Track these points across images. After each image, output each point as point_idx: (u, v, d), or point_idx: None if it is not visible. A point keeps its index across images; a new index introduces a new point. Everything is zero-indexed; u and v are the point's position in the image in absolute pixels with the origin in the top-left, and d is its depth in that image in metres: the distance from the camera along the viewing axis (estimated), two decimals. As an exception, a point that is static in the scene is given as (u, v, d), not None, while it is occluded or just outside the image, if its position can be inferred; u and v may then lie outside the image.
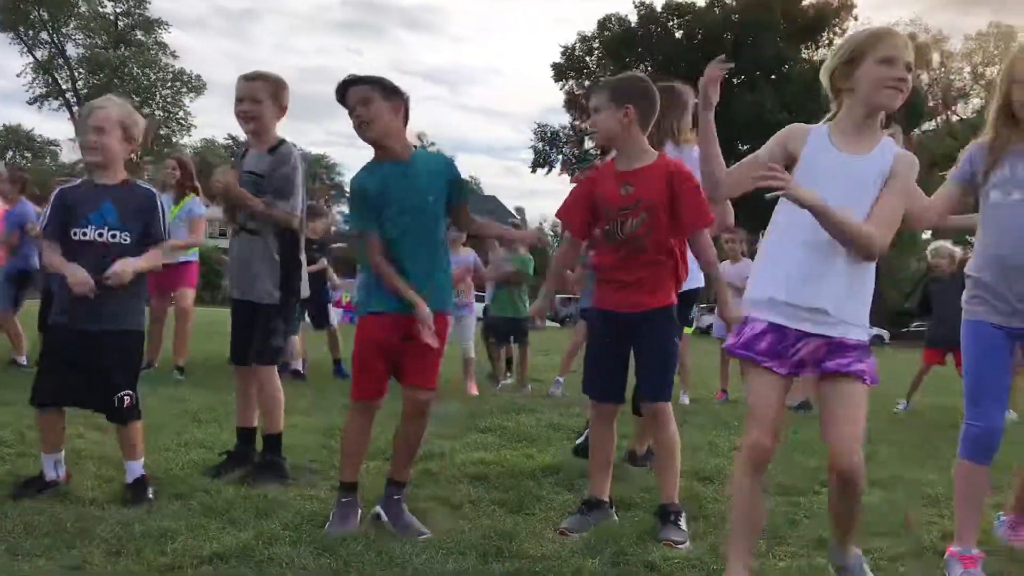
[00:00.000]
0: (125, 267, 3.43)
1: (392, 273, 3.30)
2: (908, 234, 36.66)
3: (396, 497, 3.35)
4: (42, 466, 3.54)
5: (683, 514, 3.44)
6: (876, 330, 39.17)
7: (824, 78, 2.74)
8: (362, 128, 3.30)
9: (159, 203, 3.65)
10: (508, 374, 9.04)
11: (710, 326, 9.84)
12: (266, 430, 4.06)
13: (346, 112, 3.34)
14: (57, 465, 3.55)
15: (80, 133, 3.64)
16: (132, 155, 3.72)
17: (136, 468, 3.56)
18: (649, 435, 4.79)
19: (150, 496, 3.47)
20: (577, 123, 49.27)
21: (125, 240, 3.52)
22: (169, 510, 3.31)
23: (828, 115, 2.76)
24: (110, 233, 3.49)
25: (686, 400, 8.09)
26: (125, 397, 3.52)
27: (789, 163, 2.68)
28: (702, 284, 4.27)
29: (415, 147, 3.49)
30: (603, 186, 3.46)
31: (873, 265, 2.66)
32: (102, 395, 3.51)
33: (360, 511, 3.36)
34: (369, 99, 3.29)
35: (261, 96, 3.99)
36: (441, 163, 3.54)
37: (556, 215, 3.68)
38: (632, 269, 3.41)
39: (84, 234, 3.48)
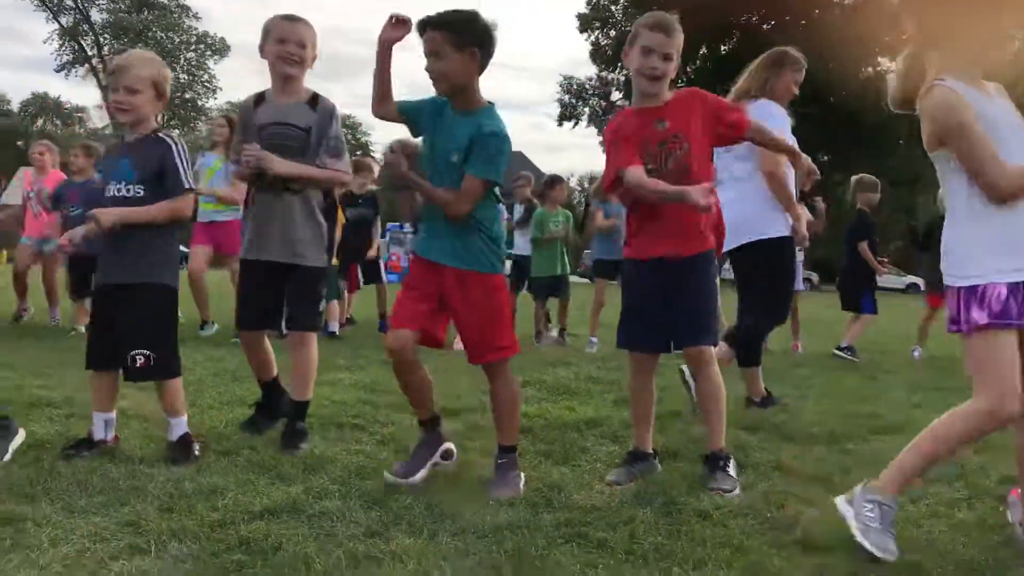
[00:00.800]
0: (107, 214, 3.35)
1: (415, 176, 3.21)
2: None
3: (500, 461, 3.28)
4: (91, 425, 3.55)
5: (732, 460, 3.41)
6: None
7: None
8: (433, 80, 3.14)
9: (176, 152, 3.46)
10: (548, 326, 9.03)
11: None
12: (300, 397, 3.87)
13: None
14: (107, 426, 3.55)
15: (111, 91, 3.52)
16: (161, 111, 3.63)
17: (178, 425, 3.54)
18: (760, 380, 4.86)
19: (196, 453, 3.47)
20: (604, 74, 48.65)
21: (139, 194, 3.43)
22: (217, 467, 3.32)
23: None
24: (126, 188, 3.44)
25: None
26: (139, 357, 3.42)
27: None
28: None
29: (486, 104, 3.22)
30: (634, 129, 3.36)
31: None
32: (121, 353, 3.44)
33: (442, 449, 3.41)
34: (439, 52, 3.07)
35: (307, 40, 3.74)
36: (481, 127, 3.13)
37: (617, 167, 3.37)
38: (675, 207, 3.28)
39: (111, 190, 3.47)
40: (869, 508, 2.62)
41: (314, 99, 3.79)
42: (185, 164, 3.51)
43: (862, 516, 2.61)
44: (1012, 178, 2.52)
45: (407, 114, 3.32)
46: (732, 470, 3.36)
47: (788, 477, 3.45)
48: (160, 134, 3.51)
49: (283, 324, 3.99)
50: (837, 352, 8.01)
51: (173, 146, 3.48)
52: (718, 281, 3.69)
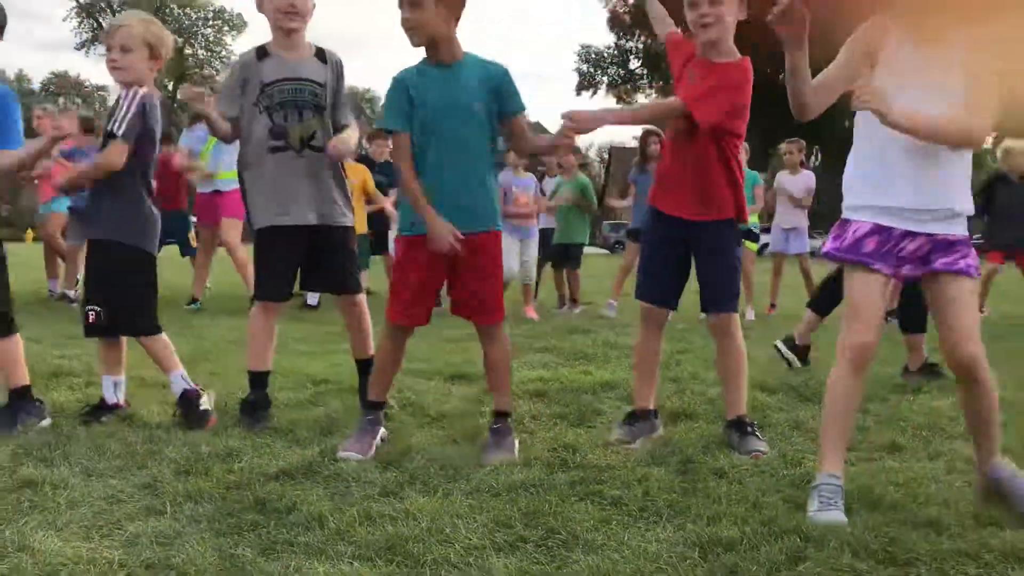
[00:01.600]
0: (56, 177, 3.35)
1: (414, 183, 3.10)
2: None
3: (496, 426, 3.25)
4: (102, 390, 3.58)
5: (757, 424, 3.39)
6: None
7: None
8: (407, 32, 3.06)
9: (129, 99, 3.36)
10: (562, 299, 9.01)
11: (765, 244, 9.65)
12: (368, 354, 3.74)
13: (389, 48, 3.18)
14: (117, 388, 3.58)
15: (106, 50, 3.47)
16: (157, 73, 3.56)
17: (176, 381, 3.53)
18: (921, 351, 4.81)
19: (203, 407, 3.46)
20: (621, 42, 48.18)
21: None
22: (234, 432, 3.33)
23: None
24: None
25: (751, 316, 8.00)
26: (89, 312, 3.43)
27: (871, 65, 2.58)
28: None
29: (465, 52, 3.17)
30: (682, 61, 3.36)
31: (970, 153, 2.59)
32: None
33: (380, 432, 3.25)
34: (418, 2, 3.00)
35: None
36: (491, 70, 3.15)
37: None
38: (701, 168, 3.25)
39: None
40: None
41: (320, 52, 3.64)
42: (128, 112, 3.37)
43: None
44: (801, 95, 2.55)
45: (409, 125, 3.13)
46: (760, 434, 3.33)
47: (805, 436, 3.43)
48: (137, 87, 3.42)
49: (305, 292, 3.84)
50: None
51: (128, 94, 3.39)
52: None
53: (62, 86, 64.09)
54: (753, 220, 8.26)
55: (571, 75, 51.88)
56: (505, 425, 3.26)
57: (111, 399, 3.56)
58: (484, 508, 2.50)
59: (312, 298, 8.11)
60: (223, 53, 62.11)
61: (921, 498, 2.63)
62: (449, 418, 3.65)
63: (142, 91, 3.42)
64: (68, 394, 3.94)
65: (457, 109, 3.09)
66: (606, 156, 59.72)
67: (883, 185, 2.57)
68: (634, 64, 48.20)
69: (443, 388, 4.24)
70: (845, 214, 2.67)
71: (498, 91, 3.15)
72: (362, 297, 3.77)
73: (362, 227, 7.99)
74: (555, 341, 6.02)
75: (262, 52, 3.59)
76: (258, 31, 73.07)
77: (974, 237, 2.85)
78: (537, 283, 8.88)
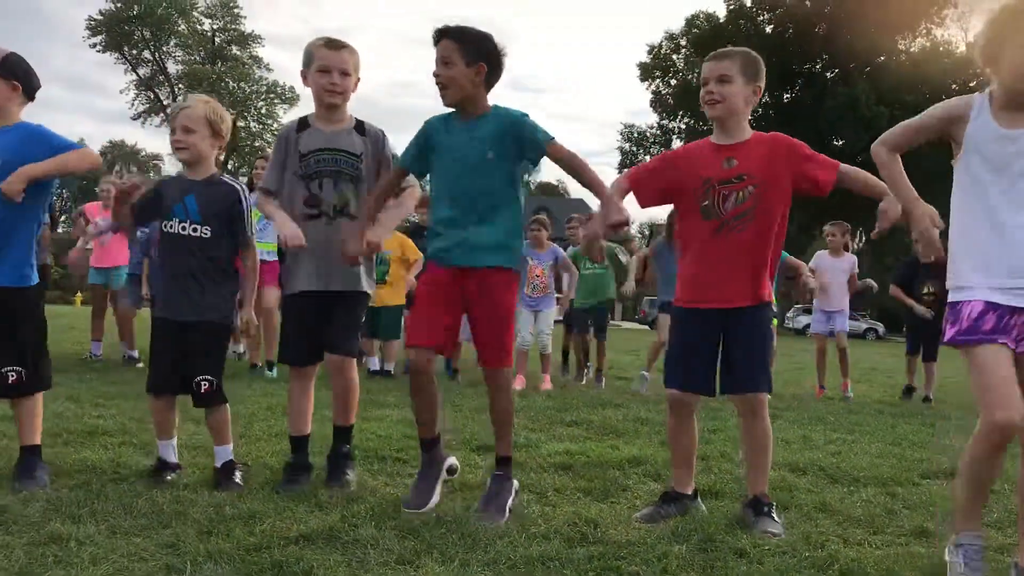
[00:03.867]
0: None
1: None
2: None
3: (497, 472, 3.38)
4: (159, 453, 3.70)
5: (775, 505, 3.34)
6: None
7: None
8: (439, 88, 3.31)
9: (244, 200, 3.63)
10: (588, 364, 8.99)
11: (806, 326, 9.65)
12: (345, 422, 3.80)
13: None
14: (173, 451, 3.72)
15: (170, 132, 3.68)
16: (220, 151, 3.74)
17: (224, 453, 3.65)
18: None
19: (237, 480, 3.56)
20: (664, 122, 48.77)
21: (205, 234, 3.57)
22: (260, 495, 3.37)
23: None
24: (192, 227, 3.56)
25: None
26: (203, 383, 3.59)
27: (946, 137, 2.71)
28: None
29: (492, 106, 3.39)
30: (699, 159, 3.35)
31: None
32: (187, 381, 3.60)
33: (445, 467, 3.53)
34: (449, 61, 3.25)
35: (350, 69, 3.64)
36: (508, 119, 3.34)
37: (628, 175, 3.47)
38: (727, 254, 3.26)
39: (170, 226, 3.58)
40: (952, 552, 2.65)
41: (360, 125, 3.74)
42: (250, 212, 3.69)
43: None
44: (885, 152, 2.73)
45: (414, 165, 3.51)
46: (776, 515, 3.27)
47: (832, 518, 3.37)
48: (226, 178, 3.69)
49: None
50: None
51: (242, 192, 3.65)
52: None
53: (118, 156, 66.18)
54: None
55: (614, 153, 52.25)
56: (505, 472, 3.38)
57: (172, 459, 3.71)
58: (499, 579, 2.50)
59: (374, 363, 8.25)
60: (274, 126, 63.86)
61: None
62: (472, 488, 3.65)
63: (244, 187, 3.69)
64: (102, 452, 4.01)
65: (471, 159, 3.32)
66: (646, 232, 59.91)
67: (981, 259, 2.62)
68: (677, 144, 48.69)
69: (468, 458, 4.25)
70: (953, 296, 2.68)
71: (517, 136, 3.33)
72: (353, 363, 3.76)
73: (398, 298, 8.09)
74: (585, 414, 6.01)
75: (303, 123, 3.73)
76: (308, 104, 75.28)
77: None
78: (565, 355, 8.98)
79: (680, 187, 3.37)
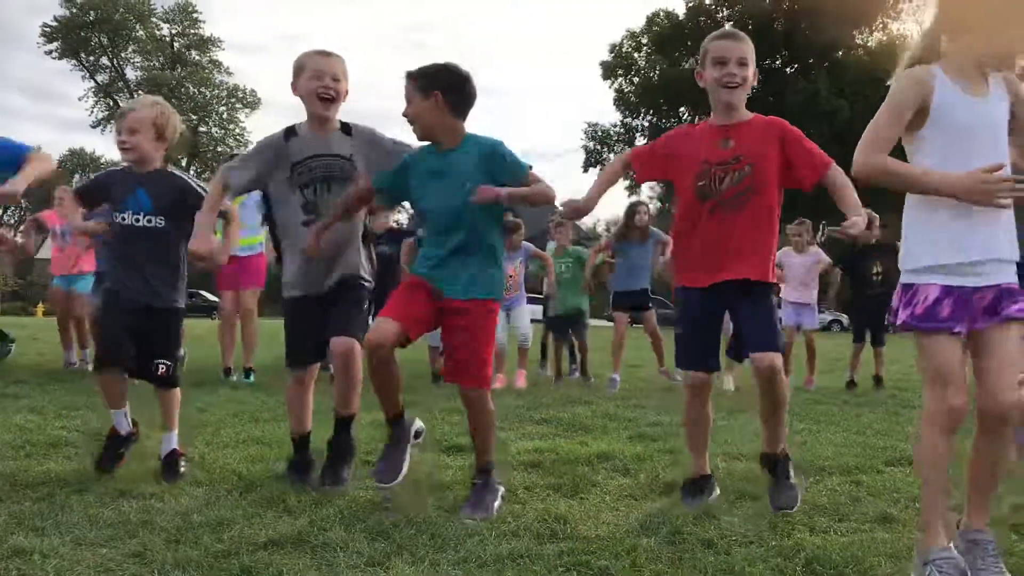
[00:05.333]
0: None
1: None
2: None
3: (477, 482, 3.40)
4: (113, 423, 3.84)
5: (791, 460, 3.51)
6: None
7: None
8: (410, 125, 3.43)
9: (190, 177, 3.78)
10: (573, 367, 9.06)
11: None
12: (348, 411, 3.79)
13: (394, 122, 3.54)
14: (126, 418, 3.86)
15: (116, 133, 3.82)
16: (165, 152, 3.87)
17: (170, 441, 3.82)
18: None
19: (181, 471, 3.70)
20: (628, 120, 48.95)
21: (160, 224, 3.76)
22: (227, 501, 3.35)
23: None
24: (146, 218, 3.74)
25: (731, 385, 8.02)
26: (160, 366, 3.79)
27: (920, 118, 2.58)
28: None
29: (465, 135, 3.42)
30: (699, 140, 3.38)
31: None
32: (144, 364, 3.78)
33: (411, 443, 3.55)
34: (409, 99, 3.37)
35: (340, 75, 3.70)
36: (483, 148, 3.39)
37: (632, 150, 3.61)
38: (724, 233, 3.28)
39: (123, 218, 3.75)
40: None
41: (345, 127, 3.77)
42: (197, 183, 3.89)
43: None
44: (869, 163, 2.55)
45: (389, 188, 3.62)
46: (792, 470, 3.47)
47: (798, 506, 3.41)
48: (173, 170, 3.83)
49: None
50: None
51: (185, 174, 3.82)
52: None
53: (78, 164, 65.26)
54: None
55: (578, 152, 52.41)
56: (485, 481, 3.38)
57: (125, 429, 3.85)
58: (469, 578, 2.50)
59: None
60: (236, 130, 63.37)
61: (911, 570, 2.62)
62: (442, 489, 3.65)
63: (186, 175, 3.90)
64: (65, 464, 3.96)
65: (448, 191, 3.35)
66: (611, 229, 60.17)
67: (939, 242, 2.55)
68: (640, 141, 48.86)
69: (438, 459, 4.25)
70: (907, 279, 2.63)
71: (492, 165, 3.36)
72: (357, 349, 3.65)
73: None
74: (555, 412, 6.04)
75: (290, 132, 3.75)
76: (271, 108, 74.43)
77: None
78: (544, 352, 9.07)
79: (678, 167, 3.42)
